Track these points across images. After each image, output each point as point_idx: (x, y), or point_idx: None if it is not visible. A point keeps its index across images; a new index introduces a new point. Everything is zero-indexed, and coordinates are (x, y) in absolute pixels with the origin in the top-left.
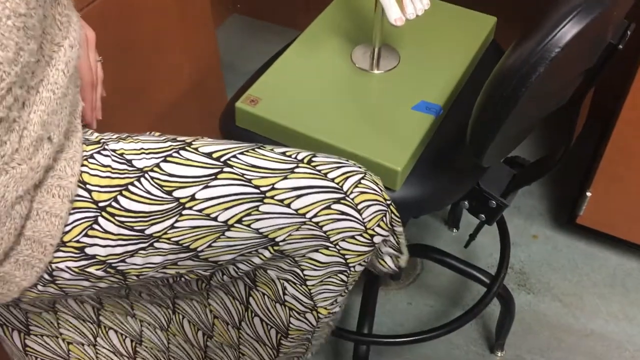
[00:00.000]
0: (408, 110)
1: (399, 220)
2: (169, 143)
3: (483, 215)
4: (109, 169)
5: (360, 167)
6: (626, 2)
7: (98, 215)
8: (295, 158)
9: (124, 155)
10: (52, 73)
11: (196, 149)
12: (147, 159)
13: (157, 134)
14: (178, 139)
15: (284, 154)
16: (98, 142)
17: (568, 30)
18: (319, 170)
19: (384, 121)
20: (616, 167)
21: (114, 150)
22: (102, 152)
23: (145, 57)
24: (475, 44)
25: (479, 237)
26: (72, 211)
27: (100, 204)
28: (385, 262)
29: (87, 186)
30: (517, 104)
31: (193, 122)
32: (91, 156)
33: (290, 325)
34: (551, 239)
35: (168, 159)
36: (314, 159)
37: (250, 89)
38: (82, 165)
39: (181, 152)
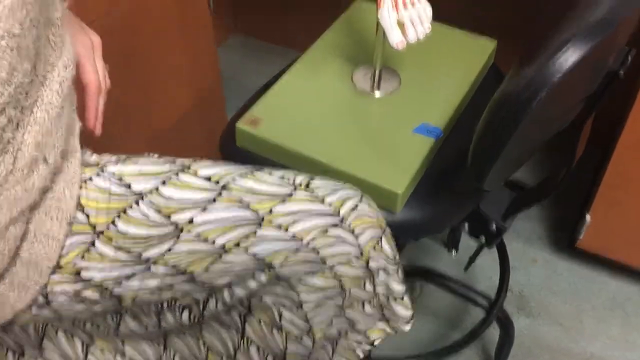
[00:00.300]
0: (409, 132)
1: (396, 245)
2: (168, 166)
3: (483, 238)
4: (107, 192)
5: (357, 191)
6: (627, 29)
7: (95, 239)
8: (293, 182)
9: (123, 178)
10: (46, 93)
11: (195, 172)
12: (145, 182)
13: (156, 155)
14: (177, 161)
15: (282, 177)
16: (97, 165)
17: (569, 56)
18: (317, 195)
19: (385, 143)
20: (616, 192)
21: (112, 173)
22: (101, 174)
23: (147, 75)
24: (476, 67)
25: (478, 259)
26: (69, 234)
27: (98, 228)
28: (406, 302)
29: (85, 209)
30: (518, 129)
31: (193, 141)
32: (90, 179)
33: (287, 350)
34: (551, 263)
35: (167, 182)
36: (311, 182)
37: (251, 110)
38: (81, 188)
39: (180, 175)
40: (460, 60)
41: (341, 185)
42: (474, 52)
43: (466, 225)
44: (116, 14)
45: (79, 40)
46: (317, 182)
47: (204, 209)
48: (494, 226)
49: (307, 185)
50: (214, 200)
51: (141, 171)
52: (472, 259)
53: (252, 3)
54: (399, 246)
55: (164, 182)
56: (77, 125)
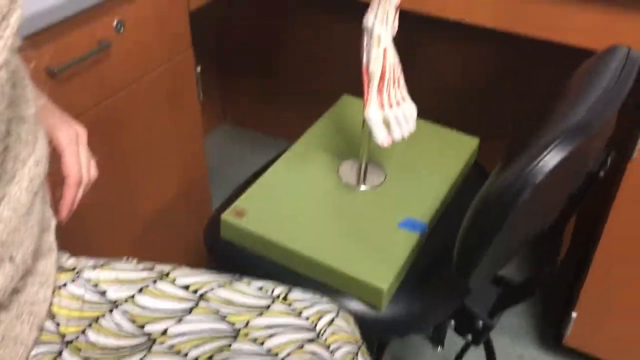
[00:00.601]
0: (394, 227)
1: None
2: (146, 273)
3: (469, 336)
4: (80, 300)
5: (334, 306)
6: (606, 132)
7: (63, 349)
8: (271, 294)
9: (99, 285)
10: (14, 190)
11: (173, 280)
12: (121, 290)
13: (135, 260)
14: (156, 268)
15: (260, 289)
16: (72, 270)
17: (551, 159)
18: (294, 308)
19: (370, 238)
20: (600, 290)
21: (88, 279)
22: (76, 281)
23: (133, 165)
24: (459, 163)
25: (464, 355)
26: (37, 341)
27: (67, 338)
28: None
29: (56, 318)
30: (502, 229)
31: (178, 231)
32: (64, 286)
33: None
34: None
35: (143, 290)
36: (289, 295)
37: (237, 201)
38: (53, 294)
39: (157, 283)
40: (444, 156)
41: (319, 298)
42: (458, 148)
43: (452, 322)
44: (104, 106)
45: (63, 132)
46: (295, 295)
47: (180, 320)
48: (480, 323)
49: (285, 298)
50: (190, 310)
51: (118, 278)
52: (458, 358)
53: (240, 93)
54: (383, 343)
55: (140, 290)
56: (53, 222)
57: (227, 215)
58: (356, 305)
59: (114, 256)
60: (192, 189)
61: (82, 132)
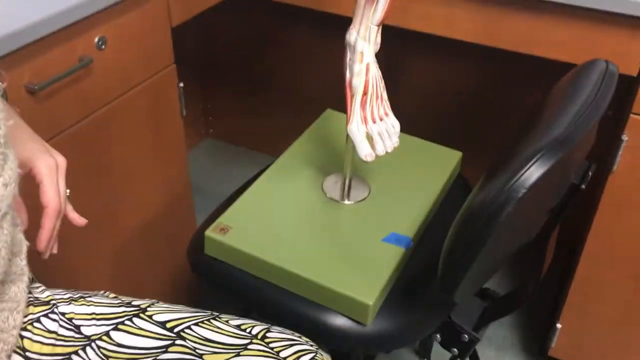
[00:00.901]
0: (378, 242)
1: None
2: (123, 309)
3: (455, 350)
4: (54, 335)
5: (312, 346)
6: (587, 145)
7: None
8: (250, 333)
9: (73, 320)
10: None
11: (150, 316)
12: (97, 325)
13: (112, 295)
14: (133, 303)
15: (239, 327)
16: (47, 303)
17: (533, 172)
18: (272, 348)
19: (355, 253)
20: (584, 301)
21: (63, 314)
22: (50, 315)
23: (116, 181)
24: (443, 177)
25: None
26: None
27: None
28: None
29: (27, 354)
30: (486, 243)
31: (161, 248)
32: (37, 320)
33: None
34: None
35: (119, 326)
36: (268, 334)
37: (221, 218)
38: (26, 330)
39: (134, 319)
40: (428, 170)
41: (297, 338)
42: (441, 162)
43: (438, 335)
44: (86, 123)
45: (42, 160)
46: (274, 334)
47: (155, 359)
48: (466, 337)
49: (264, 337)
50: (167, 349)
51: (94, 313)
52: None
53: (223, 107)
54: (369, 358)
55: (116, 327)
56: (24, 246)
57: (210, 232)
58: (342, 321)
59: (94, 275)
60: (175, 205)
61: (62, 162)
